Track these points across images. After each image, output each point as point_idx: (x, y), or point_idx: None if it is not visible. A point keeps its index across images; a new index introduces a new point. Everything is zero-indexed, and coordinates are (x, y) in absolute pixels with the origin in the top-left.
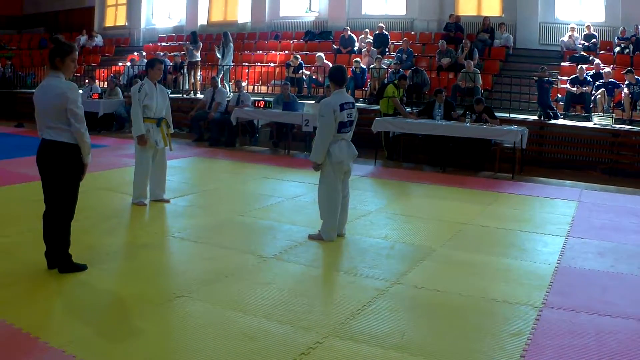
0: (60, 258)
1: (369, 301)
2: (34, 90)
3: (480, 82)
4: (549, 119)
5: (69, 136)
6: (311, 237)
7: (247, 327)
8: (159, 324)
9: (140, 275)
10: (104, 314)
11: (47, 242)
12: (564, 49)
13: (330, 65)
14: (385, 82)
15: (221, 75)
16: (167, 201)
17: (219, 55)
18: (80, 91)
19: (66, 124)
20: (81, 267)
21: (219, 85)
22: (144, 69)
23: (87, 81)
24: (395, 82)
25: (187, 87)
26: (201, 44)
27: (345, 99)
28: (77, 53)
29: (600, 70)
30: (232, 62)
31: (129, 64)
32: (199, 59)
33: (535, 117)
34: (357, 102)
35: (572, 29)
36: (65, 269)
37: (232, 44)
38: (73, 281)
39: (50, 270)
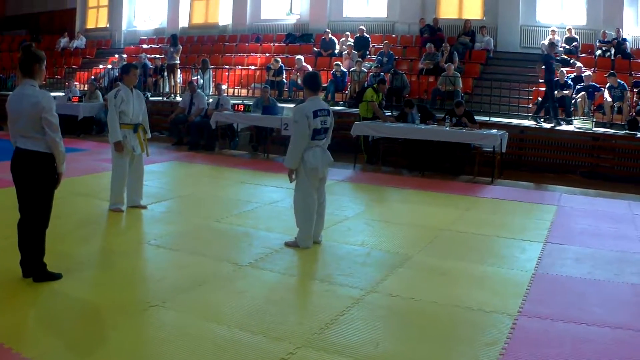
0: (34, 267)
1: (343, 310)
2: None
3: (461, 86)
4: (555, 123)
5: (44, 145)
6: (287, 244)
7: (219, 338)
8: (131, 334)
9: (115, 284)
10: (78, 324)
11: (21, 251)
12: (545, 52)
13: (310, 68)
14: (365, 85)
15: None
16: (144, 207)
17: (201, 81)
18: (61, 94)
19: (41, 133)
20: (56, 276)
21: (197, 90)
22: (119, 74)
23: (67, 84)
24: (375, 85)
25: (167, 89)
26: (181, 47)
27: (319, 105)
28: None
29: (582, 74)
30: (213, 79)
31: (109, 66)
32: (178, 61)
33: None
34: (337, 106)
35: (553, 32)
36: (39, 278)
37: (210, 70)
38: (47, 290)
39: (25, 279)
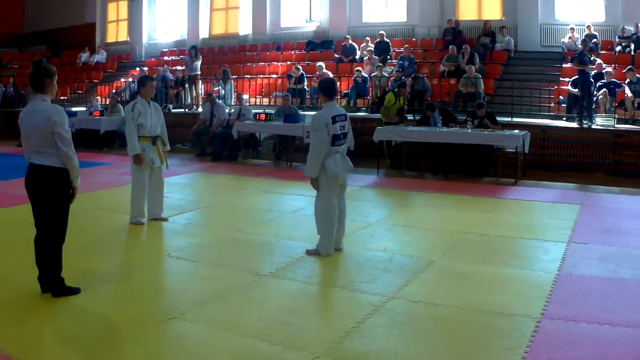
0: (52, 282)
1: (363, 318)
2: None
3: (482, 87)
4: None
5: (57, 160)
6: (308, 252)
7: (237, 348)
8: (149, 347)
9: (134, 297)
10: (96, 338)
11: (39, 266)
12: (565, 50)
13: (331, 75)
14: (386, 90)
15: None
16: (165, 219)
17: (222, 92)
18: (83, 108)
19: (54, 148)
20: (74, 291)
21: (217, 100)
22: (136, 87)
23: (89, 98)
24: (395, 90)
25: (189, 101)
26: (201, 57)
27: (336, 111)
28: None
29: (602, 71)
30: (234, 89)
31: (130, 79)
32: (199, 72)
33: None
34: (359, 111)
35: (572, 30)
36: (58, 293)
37: (231, 80)
38: (66, 305)
39: (44, 294)
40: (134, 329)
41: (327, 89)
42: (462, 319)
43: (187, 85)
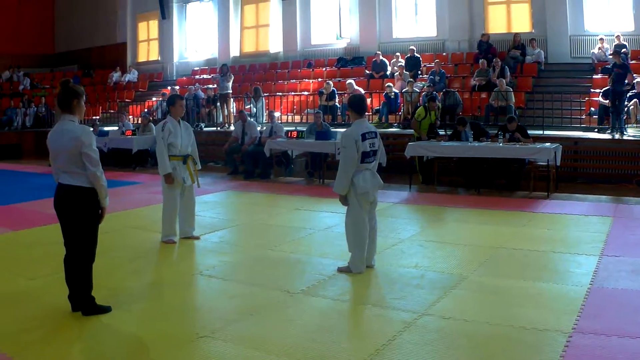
0: (83, 301)
1: (394, 335)
2: None
3: (513, 100)
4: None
5: (85, 180)
6: (340, 269)
7: None
8: None
9: (164, 316)
10: (126, 357)
11: (69, 285)
12: (595, 61)
13: (362, 91)
14: (418, 105)
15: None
16: (197, 238)
17: (254, 110)
18: (115, 128)
19: (82, 168)
20: (105, 309)
21: (248, 118)
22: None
23: (120, 118)
24: (426, 104)
25: (220, 119)
26: (232, 76)
27: (366, 128)
28: None
29: (633, 81)
30: (266, 107)
31: (161, 98)
32: (230, 90)
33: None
34: (390, 127)
35: (602, 40)
36: (88, 312)
37: (263, 97)
38: (96, 324)
39: (74, 312)
40: (165, 348)
41: (356, 105)
42: (493, 334)
43: (218, 104)
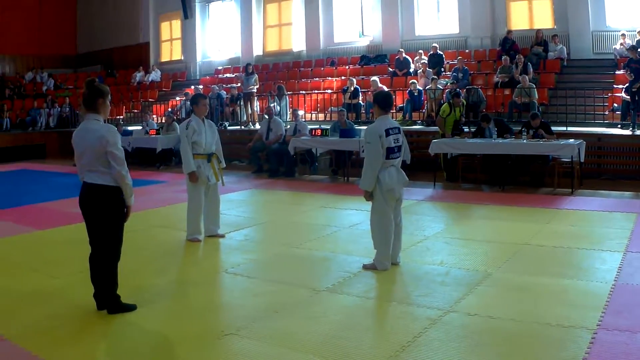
0: (108, 299)
1: (420, 332)
2: None
3: (537, 97)
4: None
5: (110, 179)
6: (365, 267)
7: None
8: None
9: (190, 314)
10: (152, 355)
11: (95, 284)
12: (617, 57)
13: (385, 88)
14: (441, 102)
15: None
16: (222, 236)
17: (277, 108)
18: (139, 127)
19: (107, 167)
20: (130, 307)
21: (274, 116)
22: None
23: (144, 117)
24: (450, 101)
25: (244, 118)
26: (256, 75)
27: (390, 124)
28: None
29: None
30: (289, 105)
31: (183, 98)
32: (255, 89)
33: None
34: (414, 125)
35: (623, 36)
36: (114, 310)
37: (286, 96)
38: (121, 322)
39: (99, 311)
40: (190, 346)
41: (382, 101)
42: (518, 331)
43: (242, 103)
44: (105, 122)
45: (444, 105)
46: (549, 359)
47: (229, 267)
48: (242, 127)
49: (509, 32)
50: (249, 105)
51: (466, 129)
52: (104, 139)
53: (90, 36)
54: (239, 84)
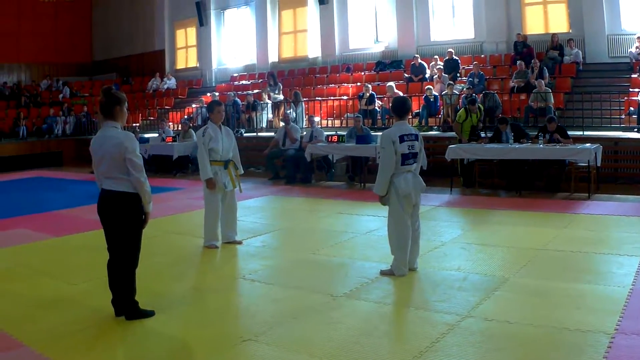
0: (126, 305)
1: (438, 337)
2: None
3: (552, 101)
4: None
5: (129, 185)
6: (383, 272)
7: None
8: None
9: (208, 320)
10: None
11: (112, 290)
12: (633, 60)
13: (401, 94)
14: (458, 108)
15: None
16: (240, 242)
17: (293, 115)
18: (155, 135)
19: (125, 174)
20: (148, 314)
21: (291, 122)
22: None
23: (160, 125)
24: (467, 106)
25: (263, 125)
26: (281, 85)
27: (405, 130)
28: None
29: None
30: (305, 112)
31: (199, 105)
32: (282, 98)
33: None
34: (430, 130)
35: (639, 39)
36: (132, 316)
37: (302, 102)
38: (139, 328)
39: (117, 317)
40: (208, 352)
41: (398, 107)
42: (536, 336)
43: (259, 110)
44: (122, 129)
45: (460, 111)
46: None
47: (247, 274)
48: (258, 134)
49: (519, 34)
50: (277, 114)
51: (483, 135)
52: (122, 145)
53: (106, 44)
54: (257, 91)
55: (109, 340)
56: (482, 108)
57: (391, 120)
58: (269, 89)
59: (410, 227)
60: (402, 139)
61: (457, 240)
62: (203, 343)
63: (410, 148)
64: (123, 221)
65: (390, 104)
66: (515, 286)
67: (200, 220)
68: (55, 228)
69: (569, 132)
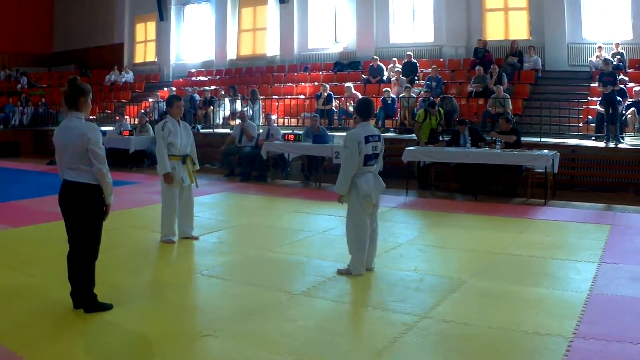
0: (85, 298)
1: (396, 337)
2: None
3: (510, 107)
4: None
5: (91, 177)
6: (340, 272)
7: None
8: None
9: (166, 315)
10: (128, 354)
11: (72, 282)
12: (593, 69)
13: (360, 95)
14: (415, 110)
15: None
16: (196, 238)
17: (250, 112)
18: (112, 128)
19: (87, 165)
20: (107, 307)
21: (248, 120)
22: (165, 107)
23: (117, 118)
24: (426, 108)
25: (217, 121)
26: (239, 95)
27: (370, 131)
28: None
29: (621, 85)
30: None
31: (155, 99)
32: (240, 108)
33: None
34: (387, 132)
35: (600, 49)
36: (90, 309)
37: (259, 100)
38: (98, 321)
39: (76, 310)
40: (168, 346)
41: (362, 108)
42: (495, 338)
43: (216, 106)
44: (86, 120)
45: (420, 111)
46: None
47: (204, 269)
48: (214, 130)
49: (479, 40)
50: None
51: (441, 138)
52: (85, 136)
53: (66, 35)
54: (215, 87)
55: (68, 333)
56: (442, 111)
57: (347, 120)
58: (228, 98)
59: (369, 227)
60: (367, 139)
61: (413, 242)
62: (162, 337)
63: (373, 149)
64: (84, 212)
65: (355, 105)
66: (473, 289)
67: (156, 214)
68: (13, 219)
69: (527, 139)
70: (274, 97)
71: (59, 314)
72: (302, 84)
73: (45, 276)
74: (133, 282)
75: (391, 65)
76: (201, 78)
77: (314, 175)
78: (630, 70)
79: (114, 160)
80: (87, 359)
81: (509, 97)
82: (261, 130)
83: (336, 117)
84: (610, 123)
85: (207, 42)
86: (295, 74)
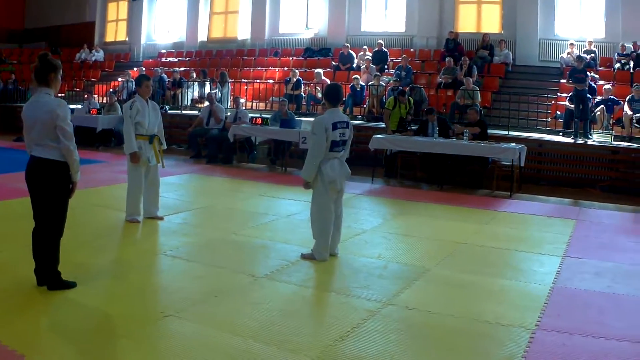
0: (49, 275)
1: (359, 322)
2: None
3: (479, 99)
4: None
5: (58, 153)
6: (304, 256)
7: (232, 348)
8: (144, 344)
9: (130, 294)
10: (91, 333)
11: (36, 259)
12: (564, 66)
13: (329, 82)
14: (383, 99)
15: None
16: (161, 218)
17: (219, 95)
18: (80, 106)
19: (55, 141)
20: (70, 285)
21: (216, 102)
22: (134, 86)
23: (86, 96)
24: (396, 96)
25: (185, 102)
26: (209, 79)
27: (339, 117)
28: None
29: (591, 82)
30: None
31: (126, 79)
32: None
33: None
34: (355, 120)
35: (572, 46)
36: (54, 286)
37: (228, 83)
38: (61, 299)
39: (39, 287)
40: (130, 325)
41: (331, 95)
42: (457, 327)
43: (185, 88)
44: (56, 96)
45: (390, 98)
46: (488, 356)
47: (168, 250)
48: (182, 111)
49: (451, 32)
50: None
51: (409, 128)
52: (54, 112)
53: (38, 12)
54: (185, 69)
55: (31, 310)
56: (412, 101)
57: (315, 107)
58: (197, 81)
59: (333, 212)
60: (334, 126)
61: (377, 229)
62: (125, 317)
63: (341, 135)
64: (50, 189)
65: (324, 91)
66: (436, 277)
67: (122, 194)
68: None
69: (494, 131)
70: (243, 80)
71: (22, 290)
72: (272, 68)
73: (10, 252)
74: (97, 261)
75: (361, 53)
76: (171, 59)
77: (280, 159)
78: (601, 69)
79: (81, 139)
80: (51, 336)
81: (478, 89)
82: (229, 113)
83: (304, 103)
84: (580, 119)
85: (179, 24)
86: (266, 58)
